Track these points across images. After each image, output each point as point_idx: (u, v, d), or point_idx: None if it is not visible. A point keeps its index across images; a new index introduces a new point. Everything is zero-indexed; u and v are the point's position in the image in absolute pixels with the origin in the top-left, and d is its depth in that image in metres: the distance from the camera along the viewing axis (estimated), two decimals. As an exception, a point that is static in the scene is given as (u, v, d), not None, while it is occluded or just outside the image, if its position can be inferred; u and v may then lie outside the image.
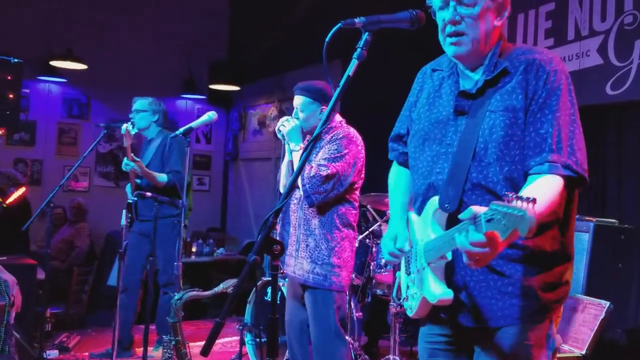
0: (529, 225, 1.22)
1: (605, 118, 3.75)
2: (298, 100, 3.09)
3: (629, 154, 3.61)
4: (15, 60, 3.81)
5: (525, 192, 1.49)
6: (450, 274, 1.67)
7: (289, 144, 3.09)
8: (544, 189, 1.50)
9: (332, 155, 2.93)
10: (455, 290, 1.64)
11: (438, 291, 1.63)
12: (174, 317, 3.05)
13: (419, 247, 1.71)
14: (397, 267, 1.99)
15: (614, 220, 3.26)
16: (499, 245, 1.34)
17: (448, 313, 1.71)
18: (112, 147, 7.47)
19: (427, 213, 1.69)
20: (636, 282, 3.23)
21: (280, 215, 3.22)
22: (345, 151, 2.95)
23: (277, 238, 3.19)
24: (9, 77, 3.75)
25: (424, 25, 1.66)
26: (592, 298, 2.92)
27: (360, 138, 3.08)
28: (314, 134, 1.59)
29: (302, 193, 2.99)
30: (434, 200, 1.67)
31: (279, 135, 3.11)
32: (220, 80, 7.54)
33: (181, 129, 3.35)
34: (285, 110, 6.97)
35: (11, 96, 3.78)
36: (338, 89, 1.57)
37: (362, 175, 3.13)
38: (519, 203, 1.23)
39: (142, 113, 4.52)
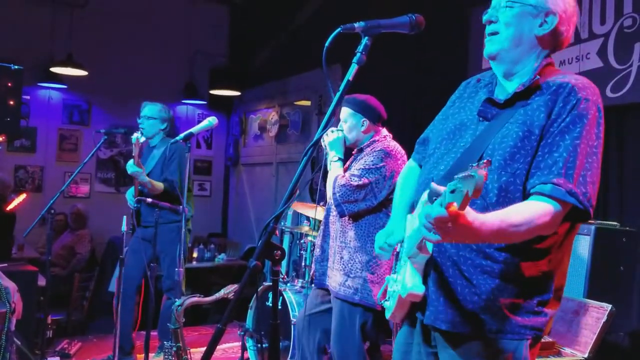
0: (476, 184, 1.19)
1: (605, 121, 3.74)
2: (343, 111, 3.10)
3: (630, 157, 3.60)
4: (16, 66, 3.82)
5: (505, 209, 1.46)
6: (428, 271, 1.64)
7: (329, 154, 3.06)
8: (524, 207, 1.48)
9: (367, 167, 2.91)
10: (429, 288, 1.63)
11: (410, 284, 1.60)
12: (175, 323, 3.05)
13: (404, 244, 1.69)
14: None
15: (615, 223, 3.25)
16: (458, 217, 1.27)
17: (421, 312, 1.67)
18: (112, 153, 7.47)
19: (418, 208, 1.64)
20: (638, 285, 3.22)
21: (322, 227, 3.18)
22: (382, 164, 2.91)
23: (319, 251, 3.14)
24: (10, 84, 3.76)
25: (423, 29, 1.66)
26: (594, 301, 2.90)
27: (402, 152, 3.03)
28: (313, 140, 1.58)
29: (332, 202, 2.95)
30: (425, 194, 1.61)
31: (322, 144, 3.06)
32: (221, 86, 7.54)
33: (181, 135, 3.35)
34: (286, 114, 6.98)
35: (12, 103, 3.79)
36: (338, 94, 1.57)
37: None
38: (474, 166, 1.21)
39: (152, 120, 4.42)
